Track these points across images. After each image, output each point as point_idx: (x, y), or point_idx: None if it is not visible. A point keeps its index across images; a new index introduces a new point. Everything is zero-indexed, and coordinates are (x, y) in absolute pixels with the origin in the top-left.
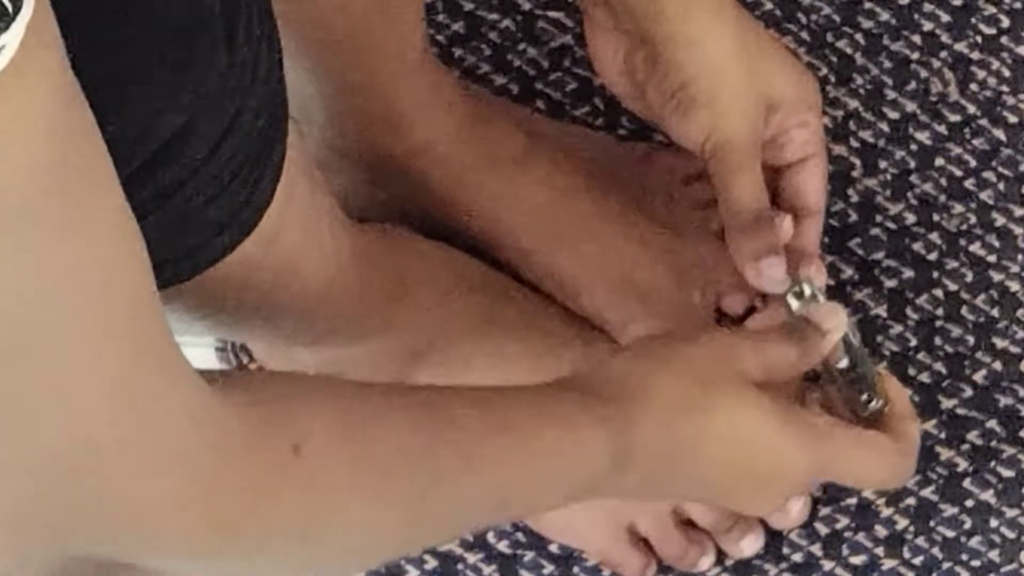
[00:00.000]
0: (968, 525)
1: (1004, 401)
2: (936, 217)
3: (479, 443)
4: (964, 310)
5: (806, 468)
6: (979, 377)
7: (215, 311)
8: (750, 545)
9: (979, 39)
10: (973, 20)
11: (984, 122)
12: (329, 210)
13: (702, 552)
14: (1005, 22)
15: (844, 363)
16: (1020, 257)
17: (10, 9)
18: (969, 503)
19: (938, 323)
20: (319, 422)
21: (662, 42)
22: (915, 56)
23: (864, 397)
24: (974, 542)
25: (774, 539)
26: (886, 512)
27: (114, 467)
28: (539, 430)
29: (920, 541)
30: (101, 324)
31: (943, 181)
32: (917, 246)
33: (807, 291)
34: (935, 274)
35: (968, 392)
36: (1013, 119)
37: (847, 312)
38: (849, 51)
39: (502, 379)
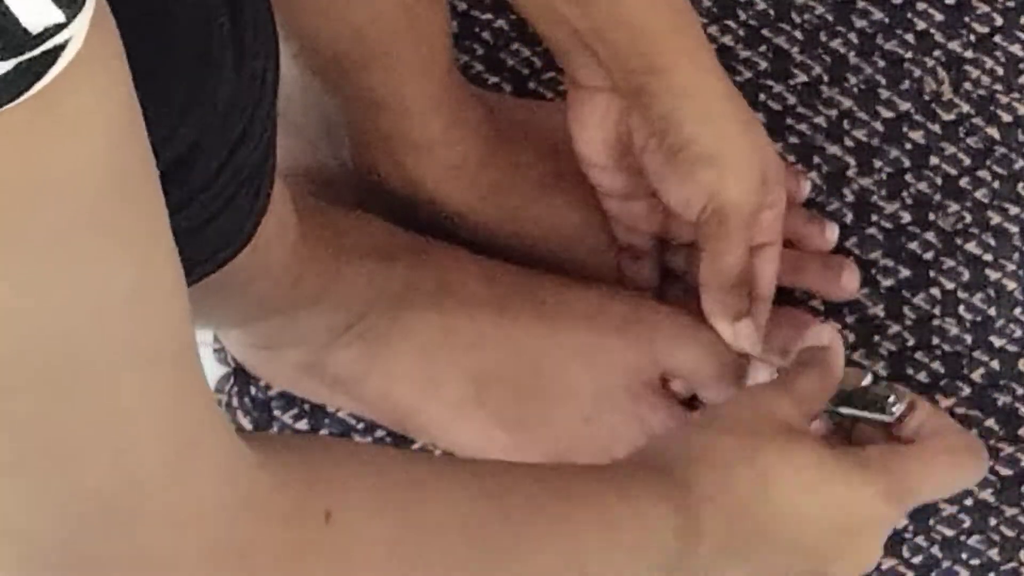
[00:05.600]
0: (967, 524)
1: (1002, 400)
2: (931, 216)
3: (535, 513)
4: (961, 309)
5: (882, 502)
6: (977, 376)
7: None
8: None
9: (973, 38)
10: (967, 19)
11: (978, 121)
12: (289, 198)
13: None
14: (999, 21)
15: (868, 379)
16: (1016, 255)
17: None
18: (968, 502)
19: (935, 322)
20: (353, 490)
21: (656, 94)
22: (909, 55)
23: (891, 399)
24: (973, 541)
25: None
26: None
27: (154, 514)
28: (600, 497)
29: (920, 540)
30: (155, 355)
31: (938, 180)
32: (913, 245)
33: None
34: (932, 273)
35: (966, 391)
36: (1007, 117)
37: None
38: (843, 50)
39: (423, 348)
